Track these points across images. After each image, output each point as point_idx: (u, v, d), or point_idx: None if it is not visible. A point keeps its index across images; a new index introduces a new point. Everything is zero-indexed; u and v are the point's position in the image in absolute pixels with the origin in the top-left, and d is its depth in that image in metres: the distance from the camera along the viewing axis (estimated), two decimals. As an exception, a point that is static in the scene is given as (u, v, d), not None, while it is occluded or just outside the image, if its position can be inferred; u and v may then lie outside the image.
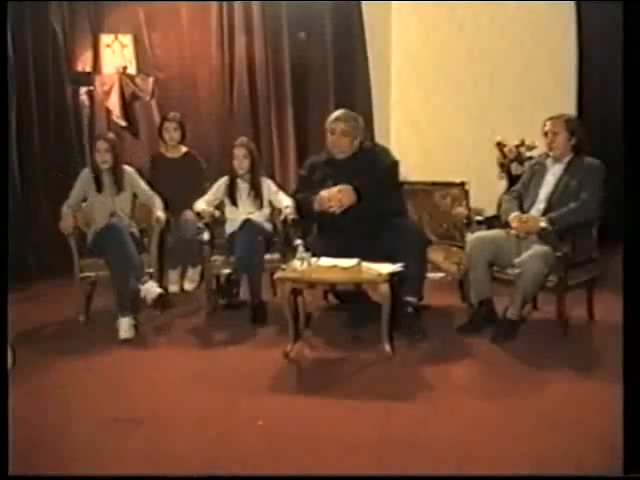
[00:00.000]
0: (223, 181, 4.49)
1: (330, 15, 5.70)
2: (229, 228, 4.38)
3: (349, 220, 3.85)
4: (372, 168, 3.92)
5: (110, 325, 3.94)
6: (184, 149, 4.99)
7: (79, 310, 4.21)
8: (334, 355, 3.63)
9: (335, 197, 3.79)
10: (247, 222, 4.23)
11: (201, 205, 4.34)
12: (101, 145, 4.30)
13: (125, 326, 3.87)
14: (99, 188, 4.29)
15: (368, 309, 3.65)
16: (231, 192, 4.43)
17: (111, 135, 4.55)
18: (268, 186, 4.48)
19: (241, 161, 4.40)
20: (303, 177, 4.20)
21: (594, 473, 2.35)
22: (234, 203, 4.42)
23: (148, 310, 4.24)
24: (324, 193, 3.84)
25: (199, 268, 4.75)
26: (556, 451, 2.51)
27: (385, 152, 4.14)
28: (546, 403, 2.95)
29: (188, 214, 4.58)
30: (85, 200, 4.34)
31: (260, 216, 4.38)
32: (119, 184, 4.32)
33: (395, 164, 4.04)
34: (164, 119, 5.00)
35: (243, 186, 4.44)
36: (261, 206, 4.41)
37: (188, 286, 4.83)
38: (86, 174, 4.34)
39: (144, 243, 4.36)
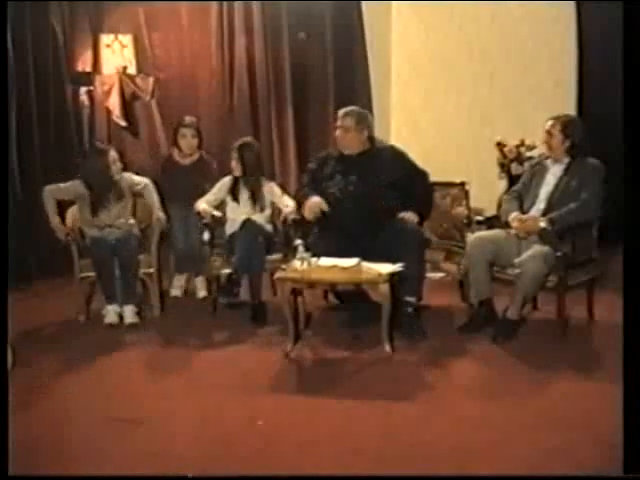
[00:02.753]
0: (225, 181, 4.48)
1: (330, 15, 5.71)
2: (229, 228, 4.37)
3: (349, 220, 3.85)
4: (389, 168, 3.94)
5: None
6: (198, 153, 4.72)
7: (79, 310, 4.21)
8: (334, 355, 3.63)
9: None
10: (247, 222, 4.23)
11: (202, 205, 4.34)
12: (116, 154, 4.25)
13: (129, 313, 4.06)
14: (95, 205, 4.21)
15: (368, 309, 3.66)
16: (234, 190, 4.42)
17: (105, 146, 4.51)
18: (271, 189, 4.44)
19: (235, 164, 4.40)
20: (312, 170, 4.18)
21: (594, 473, 2.35)
22: (237, 200, 4.39)
23: (148, 311, 4.26)
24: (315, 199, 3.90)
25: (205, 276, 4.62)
26: (556, 451, 2.51)
27: (403, 155, 4.09)
28: (546, 403, 2.95)
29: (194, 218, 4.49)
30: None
31: (261, 217, 4.37)
32: (118, 194, 4.26)
33: (425, 174, 4.10)
34: (180, 124, 4.63)
35: (244, 187, 4.44)
36: (262, 209, 4.39)
37: (201, 293, 4.67)
38: (78, 185, 4.24)
39: (144, 243, 4.35)
